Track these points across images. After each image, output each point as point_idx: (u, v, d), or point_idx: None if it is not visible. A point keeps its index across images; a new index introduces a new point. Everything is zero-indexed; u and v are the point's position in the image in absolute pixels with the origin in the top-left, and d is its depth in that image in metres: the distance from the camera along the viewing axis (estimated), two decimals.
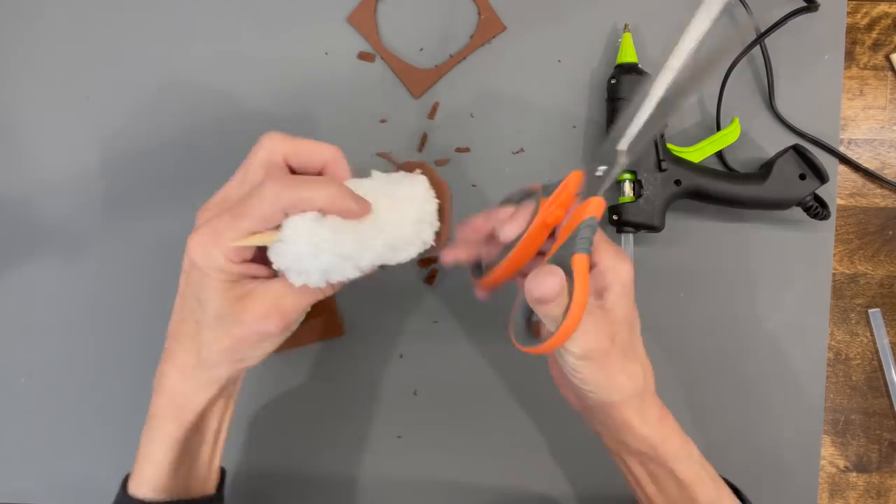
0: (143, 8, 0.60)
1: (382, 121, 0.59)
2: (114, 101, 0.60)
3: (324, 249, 0.37)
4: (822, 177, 0.54)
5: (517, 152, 0.59)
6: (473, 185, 0.59)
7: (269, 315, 0.38)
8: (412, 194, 0.43)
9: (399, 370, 0.59)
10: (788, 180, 0.55)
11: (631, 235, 0.56)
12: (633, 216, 0.54)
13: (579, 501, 0.59)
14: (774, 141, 0.59)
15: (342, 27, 0.59)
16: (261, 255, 0.40)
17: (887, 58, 0.60)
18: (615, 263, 0.42)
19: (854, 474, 0.59)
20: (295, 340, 0.58)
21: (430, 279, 0.59)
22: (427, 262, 0.59)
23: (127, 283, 0.59)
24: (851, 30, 0.60)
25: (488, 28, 0.59)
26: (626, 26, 0.58)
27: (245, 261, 0.39)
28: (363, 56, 0.59)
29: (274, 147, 0.39)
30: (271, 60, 0.60)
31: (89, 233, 0.59)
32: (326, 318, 0.58)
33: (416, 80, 0.59)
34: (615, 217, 0.55)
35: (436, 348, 0.59)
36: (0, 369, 0.59)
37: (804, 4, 0.57)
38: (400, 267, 0.59)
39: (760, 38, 0.57)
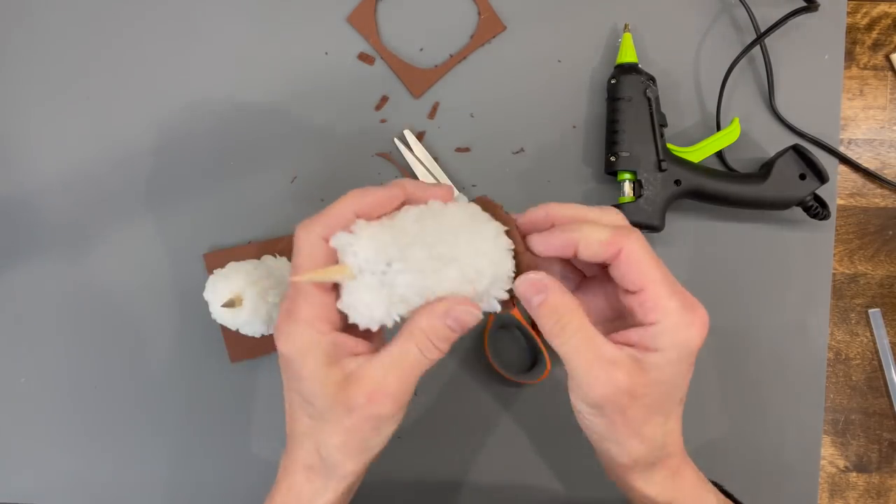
0: (143, 8, 0.60)
1: (382, 121, 0.59)
2: (114, 101, 0.60)
3: (392, 255, 0.34)
4: (822, 177, 0.54)
5: (517, 152, 0.59)
6: (473, 185, 0.59)
7: (377, 398, 0.35)
8: (485, 228, 0.37)
9: None
10: (788, 180, 0.55)
11: None
12: (632, 216, 0.54)
13: (581, 499, 0.59)
14: (774, 141, 0.59)
15: (342, 27, 0.59)
16: (358, 331, 0.37)
17: (887, 58, 0.60)
18: (682, 325, 0.35)
19: (854, 474, 0.59)
20: None
21: None
22: None
23: (127, 283, 0.59)
24: (851, 30, 0.60)
25: (488, 28, 0.59)
26: (625, 26, 0.58)
27: (336, 329, 0.36)
28: (363, 58, 0.59)
29: (310, 239, 0.36)
30: (271, 60, 0.60)
31: (89, 233, 0.59)
32: None
33: (416, 80, 0.59)
34: None
35: None
36: (0, 369, 0.59)
37: (804, 4, 0.57)
38: None
39: (760, 37, 0.57)
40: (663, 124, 0.56)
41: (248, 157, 0.59)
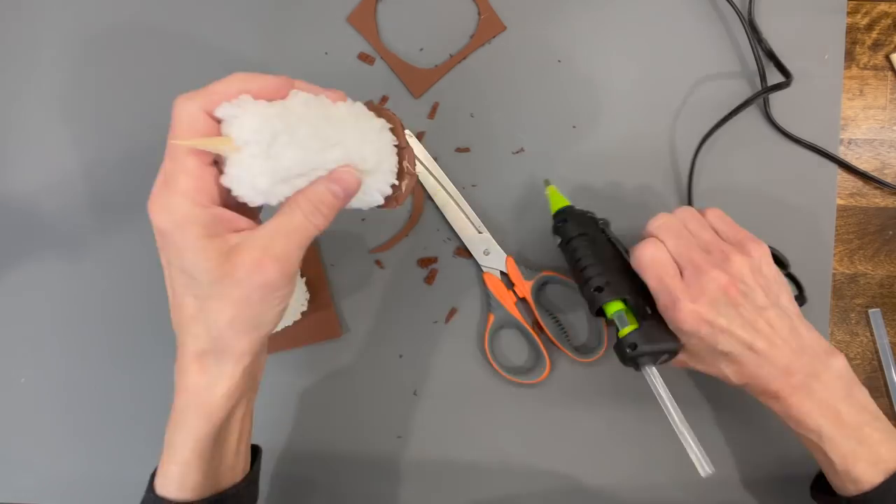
0: (143, 9, 0.60)
1: None
2: (114, 101, 0.60)
3: (278, 129, 0.34)
4: (784, 264, 0.52)
5: (517, 152, 0.59)
6: (473, 185, 0.59)
7: (263, 263, 0.34)
8: (371, 123, 0.39)
9: (399, 370, 0.59)
10: None
11: (653, 367, 0.47)
12: (647, 344, 0.46)
13: (580, 500, 0.59)
14: (771, 147, 0.59)
15: (342, 27, 0.60)
16: (239, 205, 0.36)
17: (887, 58, 0.60)
18: (672, 321, 0.46)
19: None
20: (292, 341, 0.58)
21: (429, 279, 0.59)
22: (427, 262, 0.59)
23: (127, 283, 0.59)
24: (851, 30, 0.60)
25: (488, 28, 0.59)
26: (546, 182, 0.56)
27: (214, 203, 0.35)
28: (363, 57, 0.59)
29: (191, 109, 0.35)
30: (271, 60, 0.60)
31: (89, 232, 0.59)
32: (324, 319, 0.58)
33: (416, 80, 0.59)
34: (629, 351, 0.46)
35: (436, 348, 0.59)
36: (0, 369, 0.59)
37: (783, 80, 0.56)
38: (399, 264, 0.59)
39: (730, 116, 0.57)
40: (625, 248, 0.50)
41: None
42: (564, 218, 0.52)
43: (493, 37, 0.59)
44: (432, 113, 0.59)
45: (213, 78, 0.59)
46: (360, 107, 0.39)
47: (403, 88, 0.59)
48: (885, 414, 0.59)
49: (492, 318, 0.57)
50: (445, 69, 0.59)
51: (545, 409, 0.59)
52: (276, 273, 0.35)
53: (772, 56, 0.57)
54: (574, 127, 0.59)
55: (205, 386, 0.37)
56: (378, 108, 0.40)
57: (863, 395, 0.46)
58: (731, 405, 0.58)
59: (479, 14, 0.59)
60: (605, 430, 0.58)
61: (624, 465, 0.58)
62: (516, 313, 0.57)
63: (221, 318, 0.35)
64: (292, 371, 0.59)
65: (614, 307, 0.48)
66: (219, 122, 0.35)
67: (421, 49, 0.60)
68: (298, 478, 0.59)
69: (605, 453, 0.59)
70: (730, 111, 0.57)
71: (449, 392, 0.59)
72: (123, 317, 0.59)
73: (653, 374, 0.46)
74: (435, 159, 0.59)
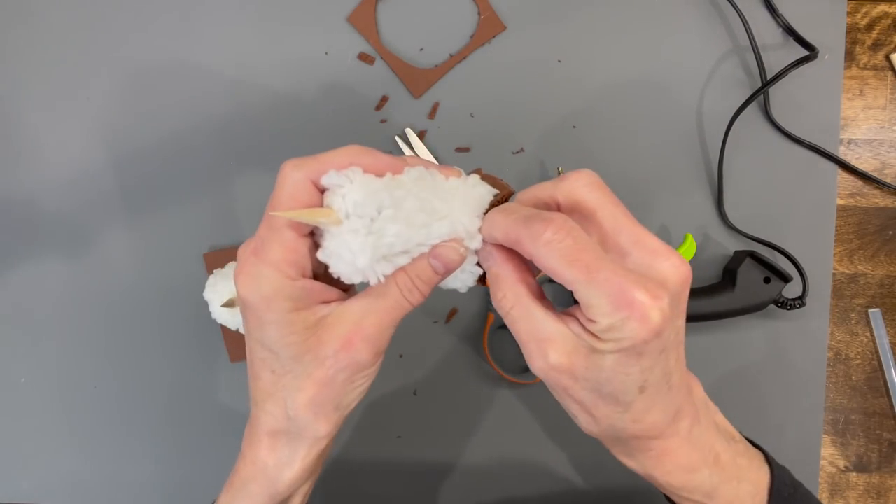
0: (143, 9, 0.60)
1: (382, 121, 0.59)
2: (114, 101, 0.60)
3: (383, 202, 0.32)
4: (784, 277, 0.55)
5: (517, 152, 0.59)
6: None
7: (353, 342, 0.32)
8: (480, 194, 0.35)
9: (399, 370, 0.59)
10: (754, 287, 0.55)
11: None
12: None
13: (580, 500, 0.59)
14: (771, 147, 0.59)
15: (342, 27, 0.59)
16: (329, 275, 0.33)
17: (887, 58, 0.60)
18: (615, 324, 0.29)
19: (854, 474, 0.59)
20: None
21: None
22: None
23: (127, 283, 0.59)
24: (851, 30, 0.60)
25: (488, 28, 0.59)
26: (558, 170, 0.54)
27: (306, 275, 0.32)
28: (363, 57, 0.59)
29: (296, 177, 0.32)
30: (271, 60, 0.60)
31: (89, 233, 0.59)
32: None
33: (416, 80, 0.59)
34: None
35: (436, 348, 0.59)
36: (0, 369, 0.59)
37: (806, 54, 0.56)
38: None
39: (763, 88, 0.57)
40: None
41: (249, 157, 0.59)
42: None
43: (493, 37, 0.59)
44: (432, 113, 0.59)
45: (211, 77, 0.59)
46: (474, 178, 0.36)
47: (403, 88, 0.59)
48: (885, 414, 0.59)
49: (491, 318, 0.57)
50: (445, 69, 0.59)
51: (545, 409, 0.59)
52: (366, 353, 0.32)
53: (791, 32, 0.57)
54: (574, 127, 0.59)
55: (273, 466, 0.35)
56: (492, 177, 0.37)
57: (719, 414, 0.38)
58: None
59: (479, 14, 0.59)
60: None
61: (623, 465, 0.58)
62: None
63: (300, 398, 0.33)
64: None
65: None
66: (322, 191, 0.33)
67: (421, 49, 0.60)
68: None
69: (604, 453, 0.59)
70: (740, 104, 0.57)
71: (449, 392, 0.59)
72: (124, 316, 0.59)
73: None
74: (435, 159, 0.59)
